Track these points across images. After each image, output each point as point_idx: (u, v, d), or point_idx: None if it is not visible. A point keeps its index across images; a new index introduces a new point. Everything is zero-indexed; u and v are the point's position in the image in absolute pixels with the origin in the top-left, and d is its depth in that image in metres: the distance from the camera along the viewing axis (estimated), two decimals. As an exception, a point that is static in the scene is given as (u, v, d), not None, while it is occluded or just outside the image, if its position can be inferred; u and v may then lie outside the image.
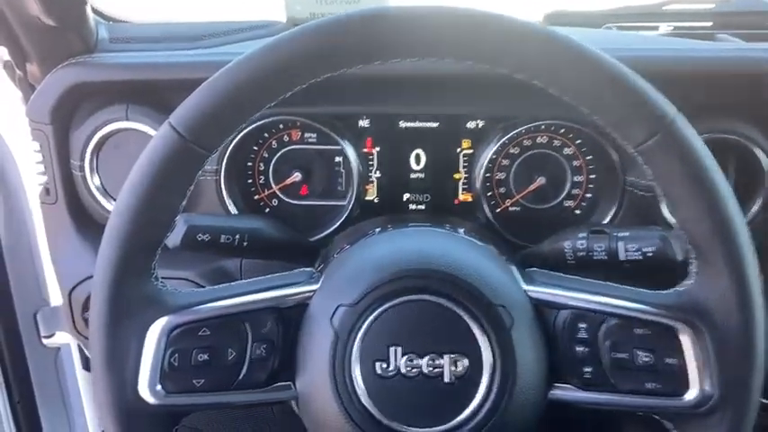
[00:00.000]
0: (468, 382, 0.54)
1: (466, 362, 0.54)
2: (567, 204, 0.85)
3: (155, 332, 0.55)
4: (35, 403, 1.10)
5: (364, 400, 0.54)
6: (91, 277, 0.80)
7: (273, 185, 0.85)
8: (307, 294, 0.59)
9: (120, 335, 0.54)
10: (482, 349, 0.54)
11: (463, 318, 0.55)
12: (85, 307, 0.81)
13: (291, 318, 0.58)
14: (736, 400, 0.52)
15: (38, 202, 0.84)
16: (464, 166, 0.84)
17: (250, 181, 0.85)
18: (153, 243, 0.54)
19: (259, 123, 0.80)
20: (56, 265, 0.84)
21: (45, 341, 1.08)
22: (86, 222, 0.83)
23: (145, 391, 0.54)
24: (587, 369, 0.56)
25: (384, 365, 0.55)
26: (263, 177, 0.85)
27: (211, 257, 0.80)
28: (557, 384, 0.57)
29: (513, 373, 0.54)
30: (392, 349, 0.55)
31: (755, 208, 0.77)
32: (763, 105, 0.75)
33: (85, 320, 0.81)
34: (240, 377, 0.57)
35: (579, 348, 0.57)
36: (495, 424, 0.54)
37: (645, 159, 0.51)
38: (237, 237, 0.70)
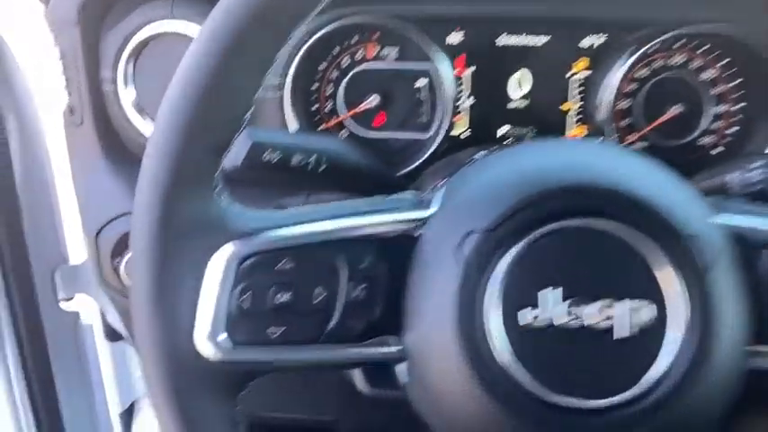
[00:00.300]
0: (650, 340, 0.39)
1: (649, 312, 0.39)
2: (705, 141, 0.69)
3: (219, 263, 0.41)
4: (51, 375, 0.95)
5: (504, 359, 0.40)
6: (122, 216, 0.66)
7: (343, 112, 0.70)
8: (417, 222, 0.44)
9: (172, 267, 0.40)
10: (671, 295, 0.39)
11: (643, 253, 0.40)
12: (116, 252, 0.66)
13: (397, 252, 0.44)
14: None
15: (60, 128, 0.69)
16: (579, 93, 0.69)
17: (314, 108, 0.70)
18: (220, 143, 0.40)
19: (328, 30, 0.65)
20: (80, 201, 0.69)
21: (63, 305, 0.93)
22: (117, 149, 0.68)
23: (205, 344, 0.40)
24: None
25: (533, 314, 0.40)
26: (330, 103, 0.70)
27: (268, 195, 0.65)
28: (761, 350, 0.42)
29: (710, 329, 0.39)
30: (544, 292, 0.40)
31: None
32: None
33: (115, 269, 0.67)
34: (330, 326, 0.43)
35: None
36: (684, 398, 0.39)
37: None
38: (313, 159, 0.55)
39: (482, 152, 0.57)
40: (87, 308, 0.95)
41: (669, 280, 0.39)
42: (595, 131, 0.68)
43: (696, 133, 0.68)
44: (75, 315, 0.95)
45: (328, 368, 0.46)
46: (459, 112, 0.70)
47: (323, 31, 0.65)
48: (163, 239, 0.40)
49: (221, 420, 0.42)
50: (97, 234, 0.67)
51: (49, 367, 0.94)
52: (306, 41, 0.66)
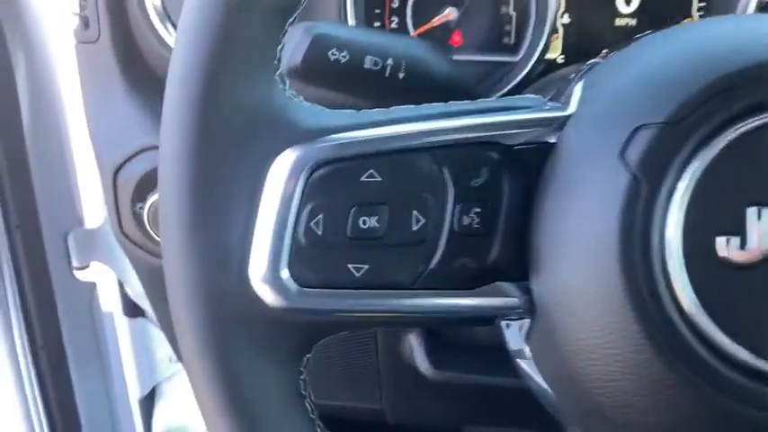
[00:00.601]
0: None
1: None
2: None
3: (282, 173, 0.29)
4: (64, 355, 0.84)
5: (692, 311, 0.27)
6: (145, 151, 0.54)
7: (412, 29, 0.57)
8: (552, 123, 0.31)
9: (217, 177, 0.29)
10: None
11: None
12: (138, 195, 0.54)
13: (524, 165, 0.31)
14: None
15: (72, 51, 0.58)
16: (701, 6, 0.56)
17: (378, 24, 0.58)
18: (286, 3, 0.27)
19: None
20: (95, 136, 0.57)
21: (77, 274, 0.82)
22: (139, 69, 0.56)
23: (261, 285, 0.29)
24: None
25: (736, 243, 0.27)
26: (398, 18, 0.57)
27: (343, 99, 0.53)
28: None
29: None
30: (753, 212, 0.27)
31: None
32: None
33: (136, 216, 0.55)
34: (431, 265, 0.30)
35: None
36: None
37: None
38: (390, 62, 0.42)
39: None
40: (104, 278, 0.84)
41: None
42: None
43: None
44: (91, 286, 0.84)
45: (426, 323, 0.34)
46: (556, 31, 0.57)
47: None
48: (204, 139, 0.28)
49: (283, 389, 0.30)
50: (115, 173, 0.55)
51: (61, 346, 0.84)
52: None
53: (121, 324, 0.88)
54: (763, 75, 0.28)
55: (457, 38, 0.58)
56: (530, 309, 0.31)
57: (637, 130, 0.28)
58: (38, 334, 0.81)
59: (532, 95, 0.35)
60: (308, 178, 0.29)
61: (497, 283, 0.31)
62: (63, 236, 0.80)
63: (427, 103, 0.37)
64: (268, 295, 0.29)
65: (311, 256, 0.29)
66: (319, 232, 0.29)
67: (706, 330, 0.27)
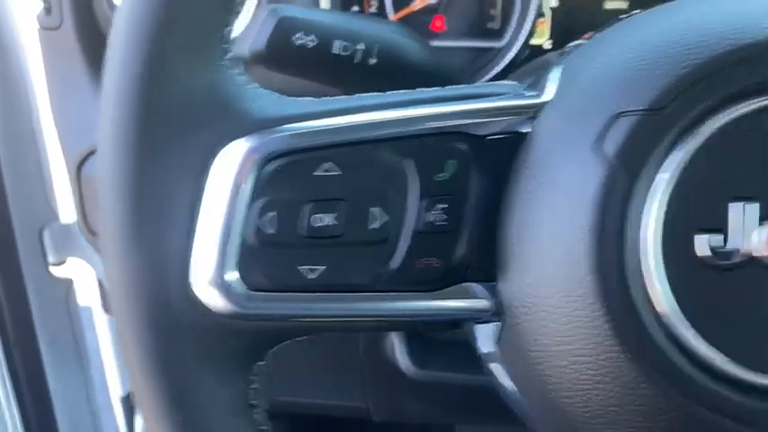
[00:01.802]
0: None
1: None
2: None
3: (230, 165, 0.27)
4: (39, 354, 0.82)
5: (668, 313, 0.25)
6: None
7: (392, 12, 0.55)
8: (526, 111, 0.29)
9: (157, 170, 0.26)
10: None
11: None
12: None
13: (495, 157, 0.29)
14: None
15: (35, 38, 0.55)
16: None
17: (356, 8, 0.55)
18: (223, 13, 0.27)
19: None
20: (60, 128, 0.55)
21: (53, 270, 0.79)
22: (103, 57, 0.54)
23: (207, 289, 0.26)
24: None
25: (716, 241, 0.25)
26: (377, 3, 0.55)
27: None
28: None
29: None
30: (736, 207, 0.25)
31: None
32: None
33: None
34: (392, 266, 0.28)
35: None
36: None
37: None
38: (361, 47, 0.40)
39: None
40: (82, 274, 0.81)
41: None
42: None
43: None
44: (68, 283, 0.82)
45: (387, 327, 0.32)
46: (542, 16, 0.54)
47: None
48: (140, 131, 0.26)
49: (230, 401, 0.28)
50: (79, 166, 0.52)
51: (36, 344, 0.81)
52: None
53: (101, 321, 0.86)
54: (750, 58, 0.26)
55: (439, 23, 0.55)
56: (498, 312, 0.29)
57: (615, 117, 0.26)
58: (11, 333, 0.78)
59: (508, 82, 0.32)
60: (258, 172, 0.27)
61: (464, 284, 0.29)
62: (38, 231, 0.78)
63: (407, 85, 0.34)
64: (214, 300, 0.26)
65: (262, 257, 0.27)
66: (271, 231, 0.27)
67: (682, 336, 0.25)
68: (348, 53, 0.39)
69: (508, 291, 0.28)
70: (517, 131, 0.29)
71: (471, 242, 0.29)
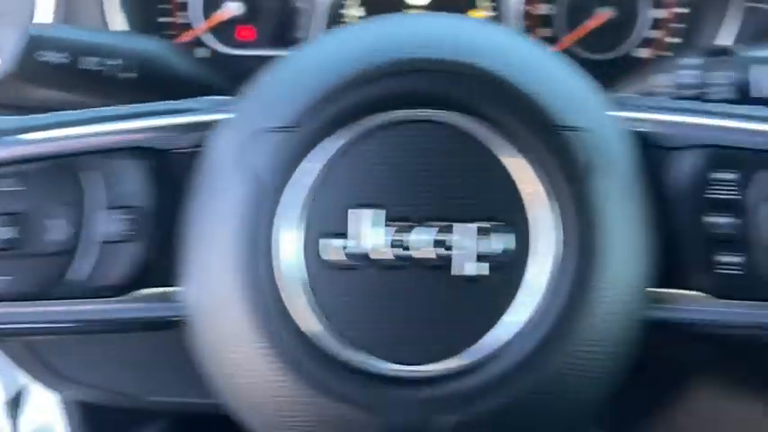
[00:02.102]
0: (503, 280, 0.27)
1: (507, 238, 0.27)
2: (641, 54, 0.57)
3: None
4: None
5: (300, 308, 0.28)
6: None
7: (199, 24, 0.56)
8: (203, 128, 0.31)
9: None
10: (537, 215, 0.27)
11: (500, 155, 0.28)
12: None
13: (177, 170, 0.31)
14: None
15: None
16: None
17: (163, 20, 0.57)
18: None
19: None
20: None
21: None
22: None
23: None
24: (728, 260, 0.30)
25: (340, 243, 0.28)
26: (183, 14, 0.57)
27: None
28: (669, 290, 0.31)
29: (592, 263, 0.27)
30: (357, 212, 0.28)
31: None
32: None
33: None
34: (72, 275, 0.31)
35: (714, 220, 0.30)
36: (550, 365, 0.27)
37: None
38: (119, 62, 0.41)
39: None
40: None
41: (535, 193, 0.27)
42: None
43: (630, 43, 0.56)
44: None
45: (75, 333, 0.33)
46: (345, 23, 0.57)
47: None
48: None
49: None
50: None
51: None
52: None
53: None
54: (378, 73, 0.28)
55: (246, 32, 0.57)
56: (183, 313, 0.31)
57: (255, 134, 0.28)
58: None
59: (209, 98, 0.34)
60: None
61: (146, 290, 0.31)
62: None
63: (164, 97, 0.36)
64: None
65: None
66: None
67: (314, 329, 0.27)
68: (101, 68, 0.41)
69: (188, 294, 0.30)
70: (199, 145, 0.31)
71: (155, 250, 0.31)
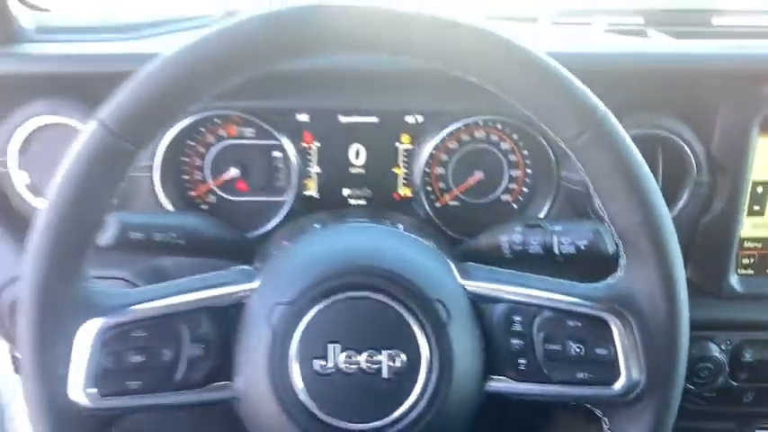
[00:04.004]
0: (405, 378, 0.55)
1: (403, 357, 0.54)
2: (504, 199, 0.86)
3: (87, 334, 0.53)
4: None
5: (303, 397, 0.54)
6: (17, 279, 0.78)
7: (210, 181, 0.83)
8: (244, 293, 0.58)
9: (48, 339, 0.53)
10: (419, 344, 0.55)
11: (401, 313, 0.55)
12: (14, 310, 0.78)
13: (229, 317, 0.58)
14: (662, 387, 0.55)
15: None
16: (403, 161, 0.84)
17: (186, 177, 0.83)
18: (82, 244, 0.52)
19: (194, 118, 0.79)
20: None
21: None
22: (13, 221, 0.80)
23: (79, 395, 0.53)
24: (522, 361, 0.58)
25: (323, 363, 0.54)
26: (199, 173, 0.83)
27: (147, 256, 0.78)
28: (493, 377, 0.58)
29: (449, 367, 0.55)
30: (331, 346, 0.55)
31: (683, 201, 0.80)
32: (690, 102, 0.78)
33: (15, 325, 0.78)
34: (176, 378, 0.56)
35: (514, 341, 0.58)
36: (433, 417, 0.55)
37: (576, 155, 0.52)
38: (173, 235, 0.68)
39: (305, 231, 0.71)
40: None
41: (419, 333, 0.55)
42: (417, 192, 0.84)
43: (498, 192, 0.85)
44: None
45: (178, 409, 0.59)
46: (312, 177, 0.84)
47: (189, 120, 0.78)
48: (41, 318, 0.52)
49: None
50: (-1, 292, 0.78)
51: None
52: (175, 126, 0.78)
53: (11, 380, 1.09)
54: (337, 274, 0.56)
55: (242, 186, 0.84)
56: (236, 396, 0.57)
57: (275, 305, 0.55)
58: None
59: (242, 268, 0.61)
60: (102, 337, 0.54)
61: (218, 383, 0.57)
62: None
63: (208, 253, 0.63)
64: (83, 401, 0.53)
65: (106, 379, 0.53)
66: (110, 366, 0.54)
67: (310, 407, 0.54)
68: (164, 239, 0.68)
69: (238, 387, 0.57)
70: (242, 303, 0.57)
71: (221, 361, 0.57)
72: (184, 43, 0.49)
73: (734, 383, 0.82)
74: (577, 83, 0.51)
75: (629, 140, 0.52)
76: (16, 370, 1.08)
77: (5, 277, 0.78)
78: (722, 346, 0.81)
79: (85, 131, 0.50)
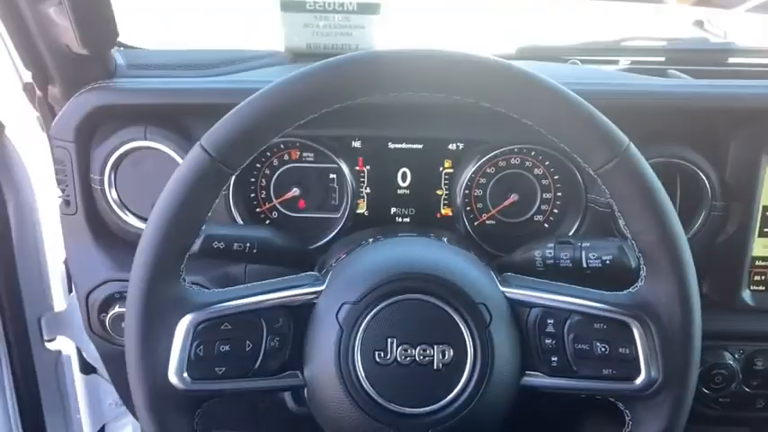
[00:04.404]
0: (453, 369, 0.63)
1: (452, 352, 0.63)
2: (536, 218, 0.95)
3: (183, 327, 0.63)
4: (39, 402, 1.15)
5: (365, 385, 0.63)
6: (108, 282, 0.88)
7: (274, 199, 0.94)
8: (314, 295, 0.67)
9: (153, 329, 0.62)
10: (465, 341, 0.63)
11: (450, 314, 0.64)
12: (102, 309, 0.88)
13: (301, 314, 0.67)
14: (677, 383, 0.63)
15: (50, 213, 0.91)
16: (445, 184, 0.94)
17: (253, 195, 0.94)
18: (182, 250, 0.62)
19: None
20: (74, 270, 0.91)
21: (47, 344, 1.14)
22: (104, 232, 0.91)
23: (174, 378, 0.62)
24: (554, 358, 0.65)
25: (382, 355, 0.63)
26: (264, 192, 0.94)
27: (220, 264, 0.88)
28: (528, 372, 0.66)
29: (491, 362, 0.63)
30: (390, 341, 0.63)
31: (699, 223, 0.88)
32: (706, 134, 0.87)
33: (101, 322, 0.89)
34: (256, 366, 0.65)
35: (547, 341, 0.66)
36: (476, 404, 0.63)
37: (603, 181, 0.61)
38: (248, 245, 0.78)
39: (361, 243, 0.80)
40: (66, 346, 1.17)
41: (466, 332, 0.64)
42: (457, 212, 0.93)
43: (531, 212, 0.94)
44: (57, 352, 1.17)
45: (256, 393, 0.67)
46: (363, 197, 0.95)
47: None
48: (147, 312, 0.62)
49: (185, 428, 0.64)
50: (88, 294, 0.89)
51: (37, 393, 1.15)
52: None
53: (78, 379, 1.20)
54: (398, 278, 0.65)
55: (302, 204, 0.95)
56: (306, 383, 0.66)
57: (342, 304, 0.65)
58: (21, 385, 1.11)
59: (311, 274, 0.70)
60: (195, 329, 0.63)
61: (291, 372, 0.66)
62: (38, 318, 1.12)
63: (275, 261, 0.73)
64: (177, 383, 0.62)
65: (197, 365, 0.62)
66: (201, 354, 0.63)
67: (372, 393, 0.63)
68: (241, 248, 0.78)
69: (309, 375, 0.65)
70: (312, 303, 0.67)
71: (293, 353, 0.66)
72: (274, 83, 0.59)
73: (747, 389, 0.89)
74: (604, 118, 0.60)
75: (649, 169, 0.61)
76: (84, 370, 1.19)
77: (96, 280, 0.88)
78: (735, 355, 0.88)
79: (190, 155, 0.60)
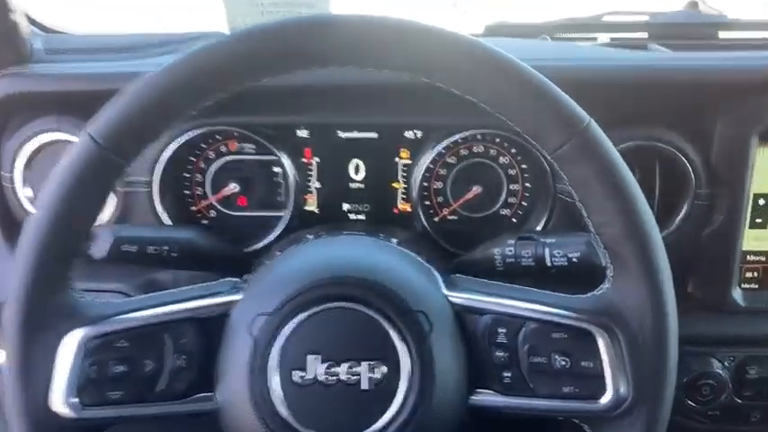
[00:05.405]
0: (385, 389, 0.54)
1: (384, 369, 0.54)
2: (503, 213, 0.85)
3: (70, 344, 0.54)
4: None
5: (281, 408, 0.54)
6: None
7: (210, 196, 0.85)
8: (228, 305, 0.58)
9: (31, 347, 0.53)
10: (400, 356, 0.54)
11: (381, 324, 0.55)
12: None
13: (213, 328, 0.58)
14: (650, 402, 0.53)
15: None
16: (402, 176, 0.85)
17: (187, 192, 0.85)
18: (67, 253, 0.53)
19: (195, 133, 0.80)
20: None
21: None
22: (16, 234, 0.82)
23: (60, 405, 0.53)
24: (507, 374, 0.57)
25: (302, 374, 0.54)
26: (200, 188, 0.85)
27: (144, 269, 0.79)
28: (477, 390, 0.58)
29: (431, 379, 0.54)
30: (310, 357, 0.54)
31: (682, 214, 0.78)
32: (687, 113, 0.77)
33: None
34: (158, 389, 0.56)
35: (499, 353, 0.57)
36: (414, 430, 0.54)
37: (560, 165, 0.52)
38: (166, 248, 0.69)
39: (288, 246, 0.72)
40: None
41: (400, 344, 0.55)
42: (416, 206, 0.84)
43: (497, 206, 0.85)
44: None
45: (157, 420, 0.59)
46: (312, 192, 0.85)
47: (189, 135, 0.80)
48: (25, 326, 0.53)
49: None
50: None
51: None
52: (175, 141, 0.80)
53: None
54: (318, 284, 0.56)
55: (242, 201, 0.86)
56: (217, 408, 0.57)
57: (257, 316, 0.56)
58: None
59: (230, 280, 0.61)
60: (85, 346, 0.54)
61: (200, 395, 0.57)
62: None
63: (202, 266, 0.64)
64: (64, 411, 0.53)
65: (88, 389, 0.54)
66: (93, 376, 0.54)
67: (288, 419, 0.54)
68: (157, 252, 0.69)
69: (220, 398, 0.56)
70: (227, 314, 0.58)
71: (203, 373, 0.57)
72: (172, 59, 0.51)
73: (738, 401, 0.80)
74: (561, 93, 0.51)
75: (613, 149, 0.51)
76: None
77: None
78: (725, 363, 0.79)
79: (75, 144, 0.51)
